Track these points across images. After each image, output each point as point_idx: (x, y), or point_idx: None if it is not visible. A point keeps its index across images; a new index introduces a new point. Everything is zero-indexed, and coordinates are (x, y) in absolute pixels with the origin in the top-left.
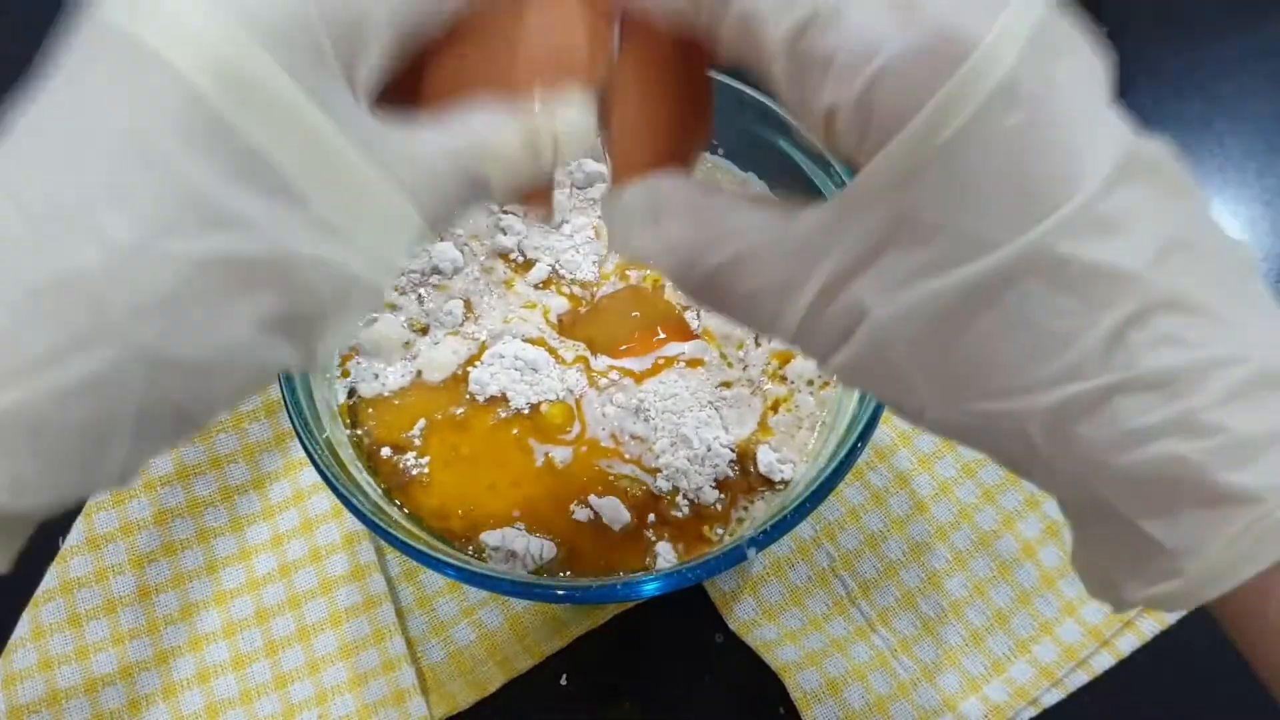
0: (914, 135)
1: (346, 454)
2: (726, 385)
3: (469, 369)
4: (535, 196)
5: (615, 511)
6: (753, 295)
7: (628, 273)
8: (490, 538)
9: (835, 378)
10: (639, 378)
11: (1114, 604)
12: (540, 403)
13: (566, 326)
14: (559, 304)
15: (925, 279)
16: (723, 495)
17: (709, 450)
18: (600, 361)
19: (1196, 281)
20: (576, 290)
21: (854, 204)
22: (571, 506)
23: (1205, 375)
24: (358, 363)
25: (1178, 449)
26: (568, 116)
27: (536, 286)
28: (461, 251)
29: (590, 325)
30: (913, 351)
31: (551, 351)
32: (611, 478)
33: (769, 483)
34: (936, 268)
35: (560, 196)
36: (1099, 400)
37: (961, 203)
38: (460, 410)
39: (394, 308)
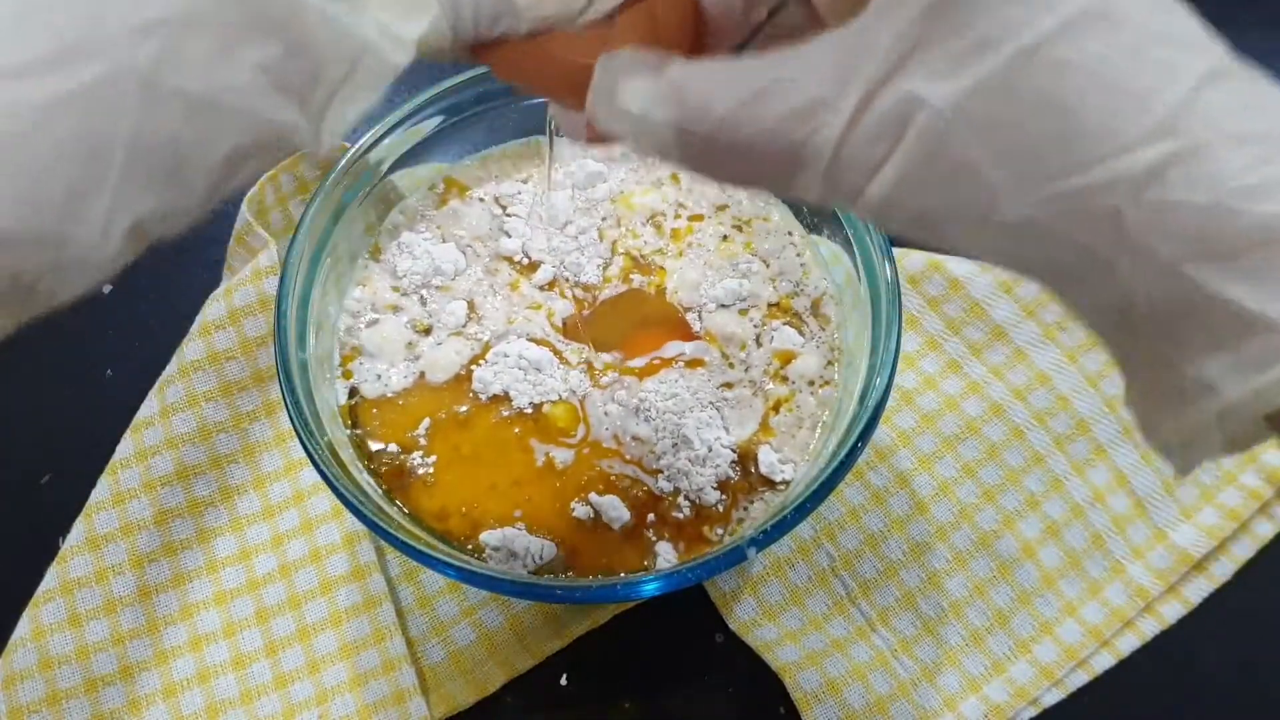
0: None
1: (347, 454)
2: (728, 386)
3: (473, 368)
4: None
5: (615, 509)
6: (773, 129)
7: (631, 276)
8: (490, 538)
9: (881, 211)
10: (640, 376)
11: (1199, 428)
12: (543, 403)
13: (570, 329)
14: (563, 307)
15: (984, 52)
16: (723, 496)
17: (710, 451)
18: (604, 361)
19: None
20: (579, 293)
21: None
22: (572, 504)
23: None
24: (360, 364)
25: None
26: None
27: (541, 288)
28: (464, 253)
29: (593, 328)
30: (981, 135)
31: (556, 353)
32: (613, 478)
33: (770, 483)
34: (994, 40)
35: (562, 198)
36: (1195, 158)
37: None
38: (464, 409)
39: (396, 309)
